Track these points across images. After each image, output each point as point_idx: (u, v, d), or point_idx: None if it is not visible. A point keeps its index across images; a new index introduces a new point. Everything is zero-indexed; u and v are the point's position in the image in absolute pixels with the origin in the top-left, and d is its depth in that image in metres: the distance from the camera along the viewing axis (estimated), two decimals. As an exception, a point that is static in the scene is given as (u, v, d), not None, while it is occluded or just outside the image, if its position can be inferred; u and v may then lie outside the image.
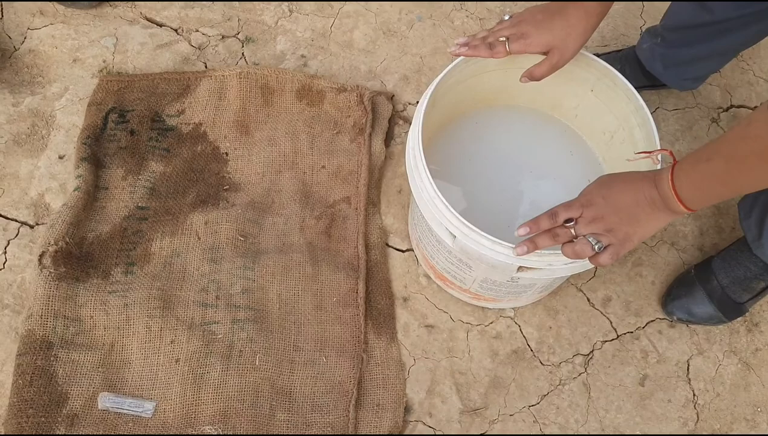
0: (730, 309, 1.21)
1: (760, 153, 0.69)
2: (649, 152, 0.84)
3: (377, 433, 1.12)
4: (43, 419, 1.05)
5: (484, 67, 1.12)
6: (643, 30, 1.37)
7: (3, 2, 1.45)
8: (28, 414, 1.04)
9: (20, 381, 1.07)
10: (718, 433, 1.18)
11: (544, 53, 0.97)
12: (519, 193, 1.19)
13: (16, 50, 1.41)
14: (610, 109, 1.12)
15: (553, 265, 0.95)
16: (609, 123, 1.14)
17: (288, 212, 1.27)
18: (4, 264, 1.21)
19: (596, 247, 0.82)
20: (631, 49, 1.38)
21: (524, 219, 1.18)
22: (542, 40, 0.95)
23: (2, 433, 1.05)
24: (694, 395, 1.20)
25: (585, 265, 0.97)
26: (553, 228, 0.86)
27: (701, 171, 0.75)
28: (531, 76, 0.99)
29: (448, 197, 0.96)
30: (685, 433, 1.17)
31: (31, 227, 1.25)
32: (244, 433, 1.07)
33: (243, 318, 1.16)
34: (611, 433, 1.16)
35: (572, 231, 0.85)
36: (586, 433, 1.16)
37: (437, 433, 1.14)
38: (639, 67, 1.34)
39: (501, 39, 0.97)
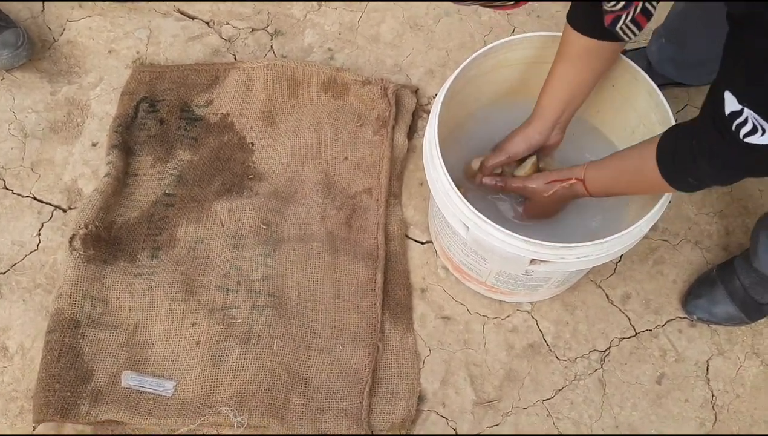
0: (753, 310, 1.19)
1: (636, 184, 0.97)
2: (562, 181, 1.04)
3: (390, 421, 1.13)
4: (68, 393, 1.09)
5: (503, 61, 1.13)
6: (652, 31, 1.35)
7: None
8: (55, 389, 1.09)
9: (48, 357, 1.12)
10: (736, 434, 1.16)
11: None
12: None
13: (55, 41, 1.47)
14: (631, 105, 1.11)
15: (565, 258, 0.95)
16: (630, 119, 1.13)
17: (310, 202, 1.30)
18: (38, 245, 1.27)
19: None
20: (642, 50, 1.36)
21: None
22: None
23: (31, 405, 1.10)
24: (712, 395, 1.19)
25: (599, 258, 0.97)
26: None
27: (602, 179, 1.00)
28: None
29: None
30: (703, 433, 1.16)
31: (64, 210, 1.30)
32: (260, 415, 1.10)
33: (262, 304, 1.19)
34: (626, 432, 1.16)
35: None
36: (600, 431, 1.16)
37: (450, 423, 1.16)
38: (649, 70, 1.31)
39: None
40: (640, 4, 0.78)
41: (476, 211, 0.95)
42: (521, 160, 1.13)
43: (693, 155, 0.83)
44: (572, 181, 1.02)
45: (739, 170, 0.82)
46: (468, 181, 1.17)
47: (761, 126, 0.69)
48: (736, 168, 0.82)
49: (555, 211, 1.13)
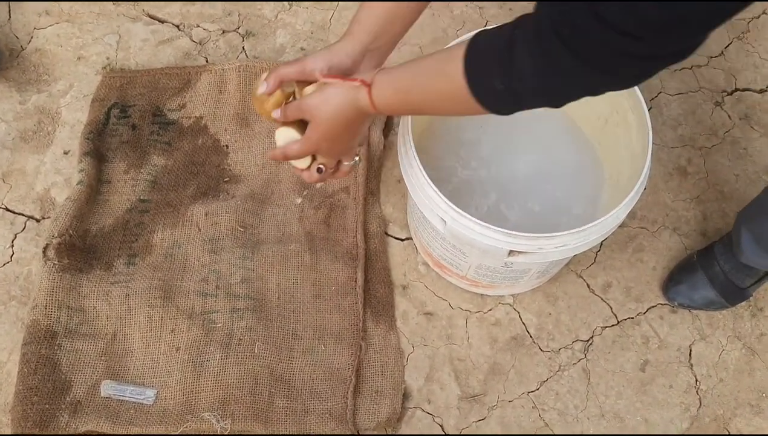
0: (733, 294, 1.20)
1: (434, 97, 0.76)
2: (340, 77, 0.84)
3: (376, 419, 1.12)
4: (47, 405, 1.07)
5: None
6: None
7: (11, 2, 1.48)
8: (32, 401, 1.07)
9: (25, 369, 1.10)
10: (714, 434, 1.17)
11: None
12: (512, 178, 1.20)
13: (23, 49, 1.45)
14: (603, 94, 1.11)
15: (544, 248, 0.95)
16: (602, 108, 1.13)
17: (287, 203, 1.28)
18: (11, 257, 1.24)
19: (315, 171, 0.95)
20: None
21: (518, 204, 1.19)
22: None
23: (9, 419, 1.08)
24: (696, 380, 1.19)
25: (578, 247, 0.97)
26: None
27: (393, 87, 0.80)
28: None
29: (439, 184, 0.96)
30: (685, 427, 1.16)
31: (38, 220, 1.28)
32: (243, 420, 1.09)
33: (242, 307, 1.18)
34: (612, 420, 1.16)
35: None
36: (587, 421, 1.16)
37: (436, 419, 1.15)
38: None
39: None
40: None
41: (453, 205, 0.94)
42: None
43: (512, 40, 0.64)
44: (356, 84, 0.82)
45: (577, 60, 0.59)
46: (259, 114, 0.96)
47: None
48: (570, 54, 0.59)
49: (342, 138, 0.90)
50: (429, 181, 0.96)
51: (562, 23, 0.59)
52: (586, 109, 1.17)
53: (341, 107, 0.84)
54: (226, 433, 1.07)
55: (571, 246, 0.96)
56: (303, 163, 0.96)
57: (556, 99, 0.69)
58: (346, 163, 0.98)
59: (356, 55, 0.88)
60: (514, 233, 0.93)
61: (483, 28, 0.71)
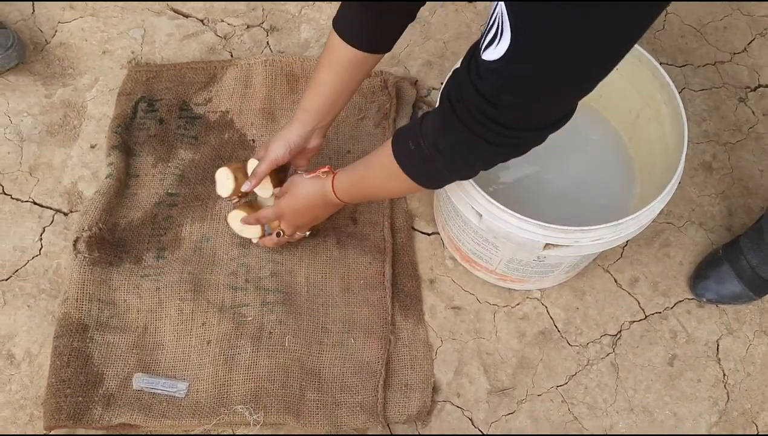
0: (761, 287, 1.20)
1: (378, 177, 0.93)
2: (314, 172, 1.05)
3: (406, 413, 1.13)
4: (80, 398, 1.07)
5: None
6: None
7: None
8: (66, 394, 1.07)
9: (58, 362, 1.10)
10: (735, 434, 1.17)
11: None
12: (543, 173, 1.20)
13: (47, 43, 1.45)
14: (635, 87, 1.12)
15: (580, 241, 0.95)
16: (634, 102, 1.13)
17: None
18: (40, 250, 1.24)
19: (275, 234, 1.14)
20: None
21: (549, 199, 1.19)
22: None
23: (41, 411, 1.08)
24: (724, 374, 1.19)
25: (613, 241, 0.97)
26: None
27: (349, 178, 0.99)
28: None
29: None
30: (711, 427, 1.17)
31: (65, 214, 1.28)
32: (275, 412, 1.09)
33: (272, 301, 1.18)
34: (641, 415, 1.16)
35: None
36: (616, 414, 1.16)
37: (466, 412, 1.15)
38: None
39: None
40: None
41: (490, 199, 0.95)
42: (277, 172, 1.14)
43: (422, 118, 0.81)
44: (324, 171, 1.03)
45: (472, 123, 0.70)
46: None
47: (502, 28, 0.60)
48: (469, 115, 0.70)
49: (305, 214, 1.09)
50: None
51: (453, 91, 0.72)
52: (617, 103, 1.18)
53: (311, 191, 1.04)
54: (258, 425, 1.08)
55: (607, 239, 0.96)
56: (256, 232, 1.16)
57: (454, 159, 0.80)
58: (299, 233, 1.16)
59: (306, 135, 1.09)
60: (550, 225, 0.94)
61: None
